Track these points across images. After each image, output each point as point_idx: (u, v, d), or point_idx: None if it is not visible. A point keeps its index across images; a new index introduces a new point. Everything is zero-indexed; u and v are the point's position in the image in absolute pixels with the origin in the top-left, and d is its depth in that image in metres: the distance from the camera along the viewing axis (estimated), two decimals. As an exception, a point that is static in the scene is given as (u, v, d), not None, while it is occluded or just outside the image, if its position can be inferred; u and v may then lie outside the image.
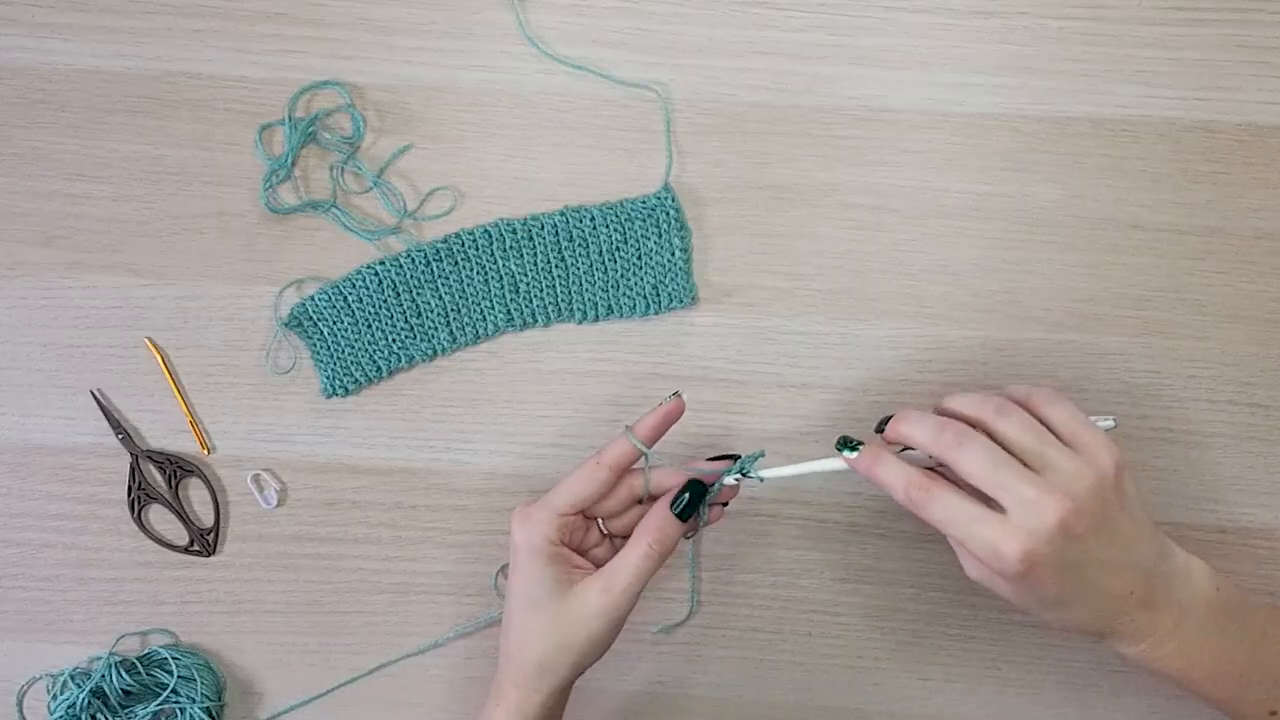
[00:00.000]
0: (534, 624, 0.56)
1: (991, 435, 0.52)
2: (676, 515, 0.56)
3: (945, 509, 0.51)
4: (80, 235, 0.68)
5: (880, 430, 0.55)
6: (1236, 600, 0.55)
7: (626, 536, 0.58)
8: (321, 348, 0.67)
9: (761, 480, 0.57)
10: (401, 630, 0.67)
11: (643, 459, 0.57)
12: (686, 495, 0.56)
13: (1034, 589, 0.51)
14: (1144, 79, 0.66)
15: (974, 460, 0.50)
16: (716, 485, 0.58)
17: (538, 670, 0.56)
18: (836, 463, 0.55)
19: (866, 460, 0.53)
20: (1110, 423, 0.55)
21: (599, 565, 0.58)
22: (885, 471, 0.53)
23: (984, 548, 0.50)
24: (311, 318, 0.67)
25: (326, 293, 0.66)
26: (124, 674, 0.65)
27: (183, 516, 0.67)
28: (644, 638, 0.67)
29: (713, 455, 0.59)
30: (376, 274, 0.66)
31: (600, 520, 0.59)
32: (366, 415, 0.67)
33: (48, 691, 0.67)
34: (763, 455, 0.57)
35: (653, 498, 0.59)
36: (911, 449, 0.54)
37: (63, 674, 0.66)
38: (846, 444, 0.54)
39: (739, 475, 0.57)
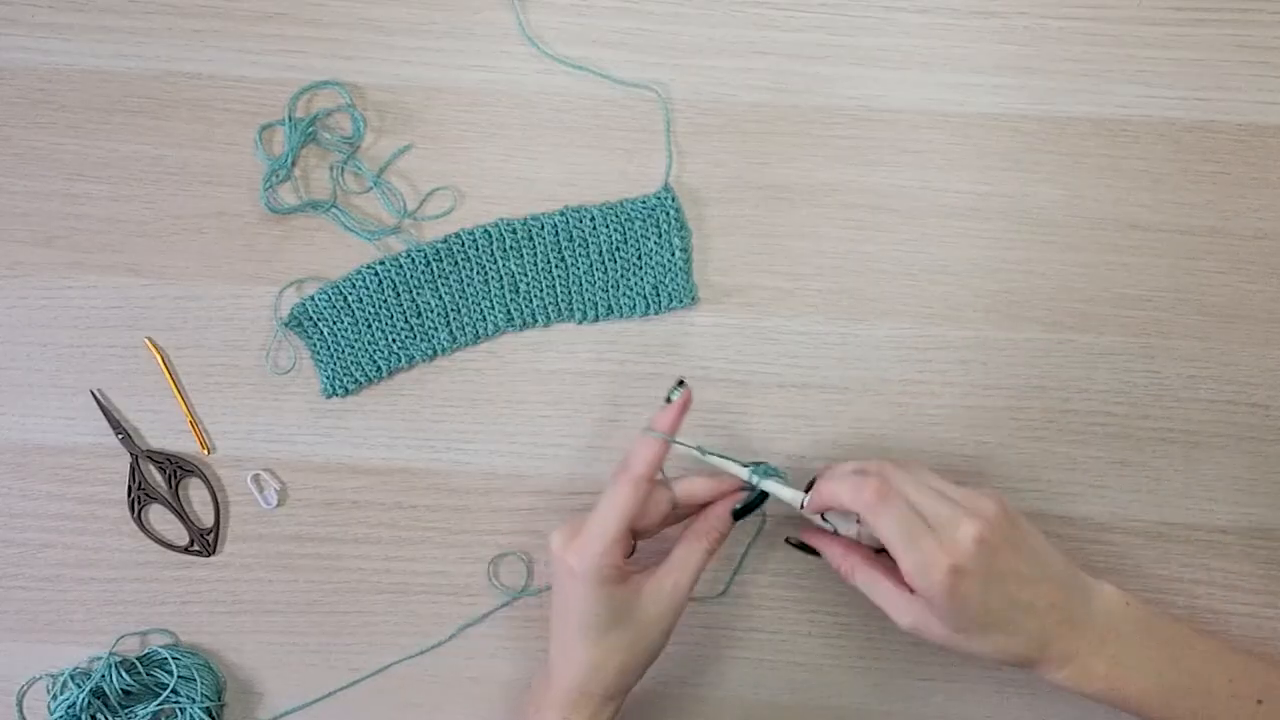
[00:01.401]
0: (616, 642, 0.57)
1: None
2: (734, 514, 0.59)
3: (895, 514, 0.54)
4: (80, 235, 0.68)
5: (669, 400, 0.57)
6: (1151, 613, 0.58)
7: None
8: (321, 348, 0.67)
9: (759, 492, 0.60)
10: (401, 630, 0.67)
11: (692, 451, 0.59)
12: (751, 501, 0.59)
13: (962, 608, 0.53)
14: (1144, 79, 0.66)
15: (893, 510, 0.54)
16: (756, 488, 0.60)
17: (619, 679, 0.58)
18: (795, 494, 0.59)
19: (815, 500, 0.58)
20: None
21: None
22: (835, 490, 0.56)
23: (918, 562, 0.53)
24: (311, 318, 0.67)
25: (326, 293, 0.66)
26: (124, 674, 0.65)
27: (183, 516, 0.67)
28: (644, 638, 0.67)
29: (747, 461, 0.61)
30: (376, 274, 0.66)
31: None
32: (366, 415, 0.67)
33: (48, 691, 0.67)
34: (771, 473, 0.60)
35: (694, 505, 0.60)
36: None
37: (63, 674, 0.66)
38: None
39: (760, 479, 0.59)
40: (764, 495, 0.59)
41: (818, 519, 0.59)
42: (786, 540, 0.62)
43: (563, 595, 0.57)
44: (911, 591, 0.55)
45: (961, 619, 0.54)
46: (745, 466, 0.60)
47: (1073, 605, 0.56)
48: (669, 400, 0.57)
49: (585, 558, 0.55)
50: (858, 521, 0.58)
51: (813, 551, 0.61)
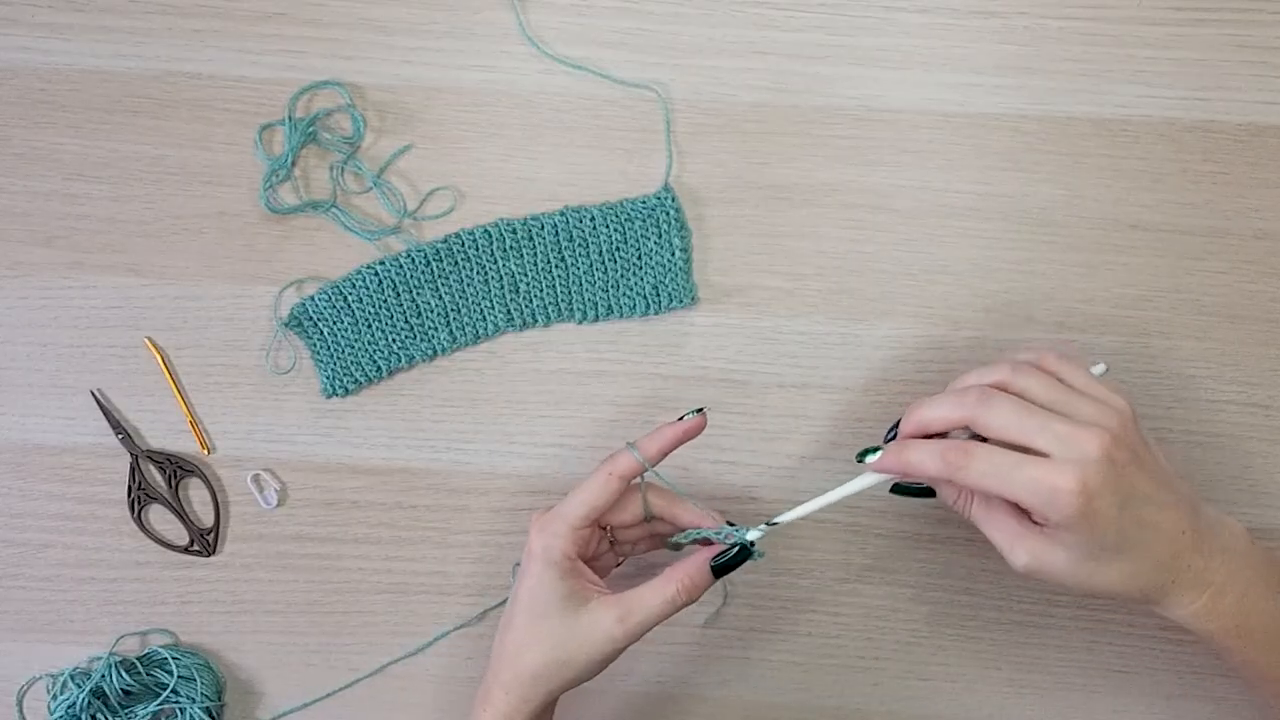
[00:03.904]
0: (539, 633, 0.55)
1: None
2: (713, 570, 0.56)
3: (988, 462, 0.49)
4: (80, 235, 0.68)
5: (889, 440, 0.55)
6: (1274, 556, 0.55)
7: (628, 544, 0.60)
8: (321, 348, 0.67)
9: (775, 525, 0.56)
10: (401, 630, 0.67)
11: (644, 473, 0.57)
12: (730, 557, 0.55)
13: (1094, 532, 0.49)
14: (1144, 79, 0.66)
15: (1003, 412, 0.50)
16: (722, 533, 0.56)
17: (532, 679, 0.55)
18: (851, 487, 0.55)
19: (892, 453, 0.52)
20: (1102, 367, 0.55)
21: (602, 571, 0.59)
22: (915, 454, 0.51)
23: (1037, 490, 0.48)
24: (311, 318, 0.67)
25: (326, 293, 0.66)
26: (124, 674, 0.65)
27: (183, 516, 0.67)
28: (645, 637, 0.67)
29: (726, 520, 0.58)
30: (376, 274, 0.66)
31: (609, 529, 0.59)
32: (366, 415, 0.67)
33: (48, 691, 0.67)
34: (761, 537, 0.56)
35: (656, 519, 0.58)
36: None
37: (63, 674, 0.66)
38: (867, 451, 0.54)
39: (761, 530, 0.56)
40: (746, 554, 0.56)
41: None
42: (892, 489, 0.56)
43: (520, 573, 0.57)
44: (1032, 525, 0.51)
45: (1089, 545, 0.50)
46: (734, 530, 0.56)
47: (1202, 532, 0.52)
48: (682, 418, 0.57)
49: (543, 536, 0.55)
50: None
51: (923, 493, 0.55)
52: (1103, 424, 0.49)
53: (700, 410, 0.57)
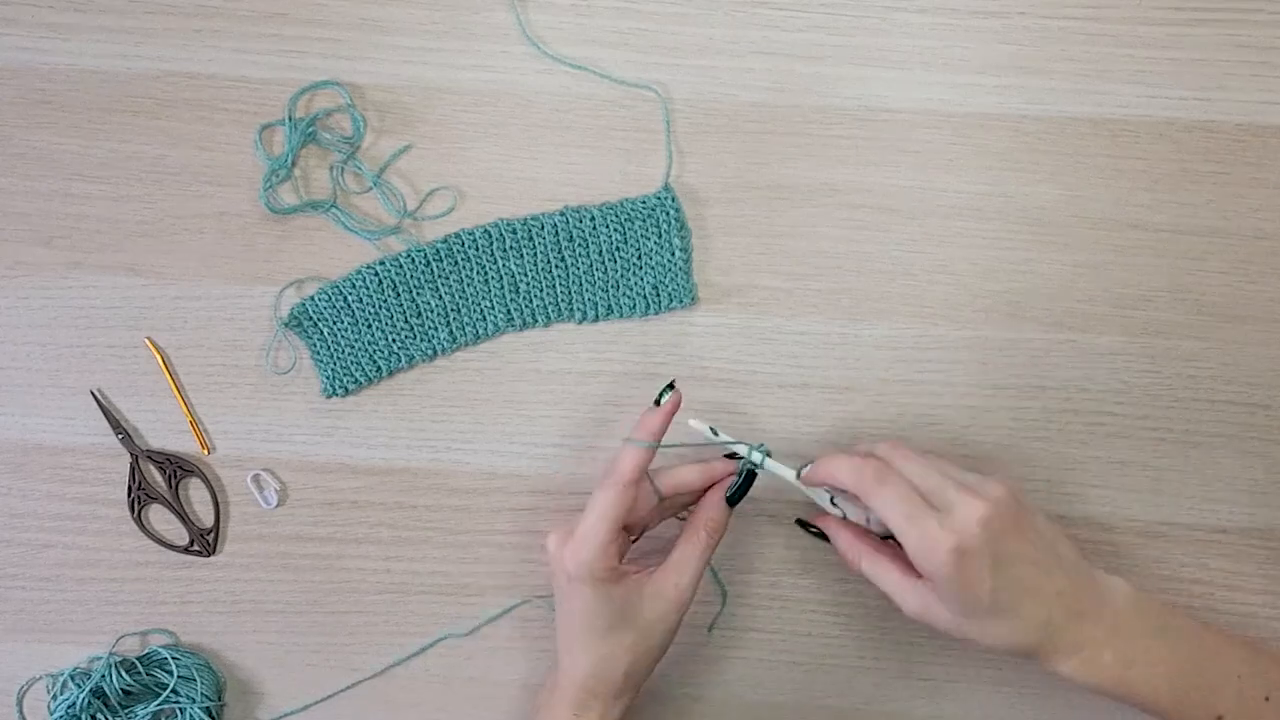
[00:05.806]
0: (618, 642, 0.57)
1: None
2: (728, 500, 0.60)
3: (897, 494, 0.54)
4: (80, 235, 0.68)
5: (658, 402, 0.58)
6: (1162, 608, 0.57)
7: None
8: (321, 348, 0.67)
9: (762, 464, 0.60)
10: (402, 630, 0.67)
11: (704, 430, 0.60)
12: (740, 484, 0.59)
13: (967, 592, 0.53)
14: (1144, 79, 0.66)
15: (891, 494, 0.54)
16: (746, 462, 0.60)
17: (625, 678, 0.58)
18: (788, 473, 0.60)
19: (820, 464, 0.57)
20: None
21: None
22: (834, 467, 0.56)
23: (922, 540, 0.53)
24: (311, 318, 0.67)
25: (326, 293, 0.66)
26: (124, 674, 0.65)
27: (183, 516, 0.67)
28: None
29: (727, 453, 0.61)
30: (376, 274, 0.66)
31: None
32: (366, 415, 0.67)
33: (48, 691, 0.67)
34: (767, 452, 0.60)
35: (687, 496, 0.61)
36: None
37: (63, 674, 0.66)
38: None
39: (762, 457, 0.59)
40: (752, 475, 0.60)
41: (827, 504, 0.59)
42: (797, 521, 0.63)
43: (563, 597, 0.58)
44: (918, 578, 0.55)
45: (966, 603, 0.53)
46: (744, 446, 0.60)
47: (1081, 595, 0.55)
48: (658, 403, 0.58)
49: (579, 562, 0.56)
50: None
51: (820, 535, 0.61)
52: (984, 494, 0.54)
53: (671, 385, 0.59)
